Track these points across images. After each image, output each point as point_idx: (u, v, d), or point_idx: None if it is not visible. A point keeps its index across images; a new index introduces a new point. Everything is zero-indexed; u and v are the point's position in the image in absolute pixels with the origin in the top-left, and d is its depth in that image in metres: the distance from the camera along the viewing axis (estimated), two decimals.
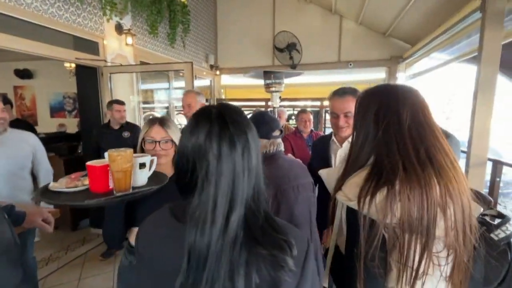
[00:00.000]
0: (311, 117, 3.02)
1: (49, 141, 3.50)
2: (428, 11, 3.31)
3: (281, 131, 1.16)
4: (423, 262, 0.60)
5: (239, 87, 5.64)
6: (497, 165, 2.03)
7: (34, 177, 2.00)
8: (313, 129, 3.13)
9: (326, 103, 5.02)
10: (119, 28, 3.03)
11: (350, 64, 4.86)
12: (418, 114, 0.67)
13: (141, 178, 0.95)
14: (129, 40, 3.07)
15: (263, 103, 5.10)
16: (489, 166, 2.17)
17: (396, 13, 3.74)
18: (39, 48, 2.34)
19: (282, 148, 1.16)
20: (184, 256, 0.49)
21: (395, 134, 0.65)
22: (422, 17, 3.54)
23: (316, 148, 1.66)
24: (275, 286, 0.50)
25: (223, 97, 5.67)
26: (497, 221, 0.70)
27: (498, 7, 1.94)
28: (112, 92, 2.97)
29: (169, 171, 1.11)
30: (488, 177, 2.18)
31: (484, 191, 2.35)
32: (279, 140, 1.14)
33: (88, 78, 2.93)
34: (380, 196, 0.61)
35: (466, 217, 0.61)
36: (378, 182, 0.62)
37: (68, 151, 3.24)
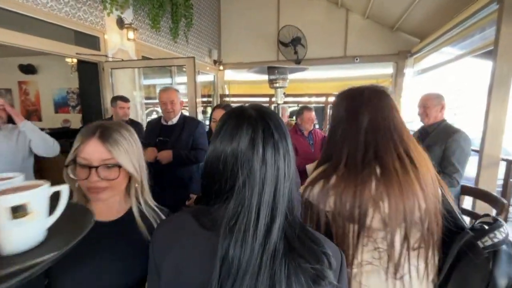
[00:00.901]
0: (314, 114, 2.94)
1: (53, 137, 3.49)
2: (440, 3, 3.18)
3: None
4: (358, 249, 0.67)
5: (243, 83, 5.56)
6: (511, 165, 1.94)
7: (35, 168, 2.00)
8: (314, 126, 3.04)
9: (331, 99, 4.92)
10: (120, 23, 2.96)
11: (356, 59, 4.74)
12: (376, 118, 0.72)
13: (21, 236, 0.45)
14: (131, 34, 3.01)
15: (267, 99, 5.02)
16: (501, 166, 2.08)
17: (406, 6, 3.61)
18: (39, 43, 2.29)
19: None
20: (214, 269, 0.45)
21: (350, 137, 0.73)
22: (433, 10, 3.41)
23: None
24: None
25: (226, 92, 5.60)
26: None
27: None
28: (114, 87, 2.93)
29: (114, 210, 0.74)
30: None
31: (497, 190, 2.27)
32: None
33: (90, 74, 2.89)
34: (317, 187, 0.71)
35: (408, 212, 0.65)
36: (321, 176, 0.72)
37: (70, 147, 3.21)
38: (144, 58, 3.36)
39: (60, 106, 5.87)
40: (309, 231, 0.52)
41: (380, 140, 0.70)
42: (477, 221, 0.72)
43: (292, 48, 4.83)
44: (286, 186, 0.50)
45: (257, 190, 0.48)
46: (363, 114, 0.73)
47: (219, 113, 1.76)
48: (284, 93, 3.64)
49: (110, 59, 2.87)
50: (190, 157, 1.99)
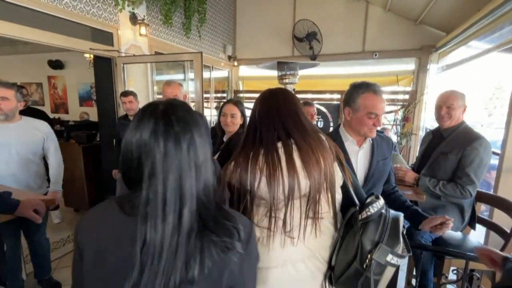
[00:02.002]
0: (315, 110, 2.85)
1: (76, 128, 3.69)
2: None
3: None
4: (255, 217, 0.87)
5: (257, 79, 5.51)
6: None
7: (46, 163, 2.10)
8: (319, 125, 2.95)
9: None
10: (133, 18, 3.04)
11: (375, 55, 4.51)
12: (265, 113, 0.93)
13: None
14: (143, 30, 3.08)
15: None
16: None
17: None
18: (57, 40, 2.41)
19: None
20: (135, 252, 0.51)
21: (247, 130, 0.96)
22: (459, 0, 3.14)
23: None
24: (224, 266, 0.56)
25: (240, 88, 5.59)
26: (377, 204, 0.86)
27: None
28: (126, 82, 3.02)
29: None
30: None
31: None
32: None
33: (104, 69, 3.00)
34: (228, 168, 0.89)
35: (294, 184, 0.81)
36: (231, 160, 0.91)
37: (87, 139, 3.38)
38: (157, 53, 3.44)
39: (85, 99, 6.20)
40: (224, 210, 0.60)
41: (264, 130, 0.89)
42: (368, 200, 0.87)
43: (307, 43, 4.70)
44: (192, 176, 0.54)
45: (161, 178, 0.52)
46: (255, 110, 0.95)
47: (229, 108, 1.80)
48: (294, 89, 3.56)
49: (123, 55, 2.96)
50: None
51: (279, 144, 0.86)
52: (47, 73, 6.27)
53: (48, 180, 2.09)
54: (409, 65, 4.47)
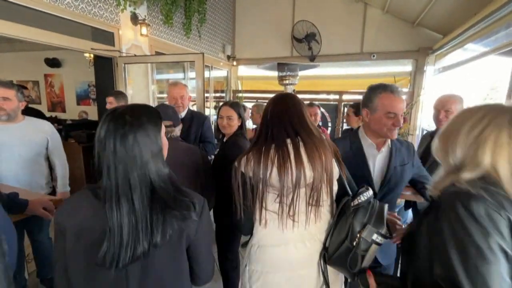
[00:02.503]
0: (319, 111, 2.87)
1: (74, 128, 3.68)
2: None
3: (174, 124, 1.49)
4: (264, 201, 1.00)
5: (256, 78, 5.54)
6: None
7: (50, 163, 2.10)
8: (320, 124, 2.98)
9: (345, 97, 4.79)
10: (134, 18, 3.04)
11: (373, 56, 4.57)
12: (277, 113, 1.05)
13: None
14: (144, 30, 3.08)
15: None
16: None
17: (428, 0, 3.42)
18: (58, 39, 2.41)
19: (173, 134, 1.50)
20: (107, 227, 0.66)
21: (260, 128, 1.08)
22: (456, 4, 3.20)
23: (345, 153, 1.34)
24: (183, 231, 0.74)
25: (239, 88, 5.61)
26: (366, 194, 0.98)
27: None
28: (126, 82, 3.03)
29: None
30: None
31: None
32: (170, 129, 1.48)
33: (104, 68, 3.00)
34: (242, 160, 1.02)
35: (295, 176, 0.94)
36: (246, 152, 1.04)
37: (87, 139, 3.37)
38: (157, 53, 3.44)
39: (82, 98, 6.16)
40: (183, 190, 0.77)
41: (275, 128, 1.02)
42: (359, 190, 0.99)
43: (306, 44, 4.73)
44: (139, 167, 0.68)
45: (113, 169, 0.67)
46: (267, 111, 1.07)
47: (225, 110, 1.76)
48: (294, 90, 3.59)
49: (124, 54, 2.97)
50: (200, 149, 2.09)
51: (288, 141, 0.99)
52: (44, 71, 6.22)
53: (52, 181, 2.09)
54: (406, 67, 4.53)
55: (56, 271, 0.74)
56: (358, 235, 0.90)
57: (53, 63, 6.02)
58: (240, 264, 1.80)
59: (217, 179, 1.62)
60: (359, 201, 0.95)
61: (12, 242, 0.87)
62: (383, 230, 0.90)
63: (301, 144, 0.98)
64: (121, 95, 2.61)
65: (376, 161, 1.29)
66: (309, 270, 1.01)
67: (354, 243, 0.90)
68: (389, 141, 1.30)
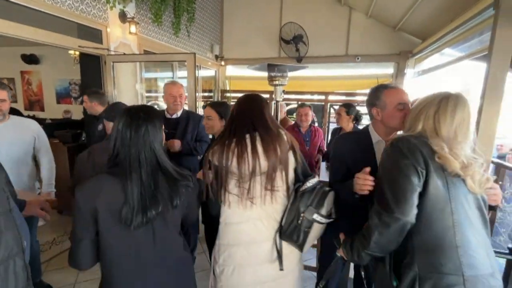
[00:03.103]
0: (310, 111, 2.96)
1: (55, 127, 3.54)
2: (441, 5, 3.18)
3: None
4: (228, 185, 1.18)
5: (244, 78, 5.57)
6: (500, 169, 1.98)
7: (37, 163, 2.04)
8: (312, 123, 3.07)
9: (331, 97, 4.94)
10: (122, 16, 2.99)
11: (358, 58, 4.75)
12: (240, 112, 1.24)
13: None
14: (133, 28, 3.04)
15: (267, 96, 5.04)
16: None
17: (408, 6, 3.62)
18: (42, 35, 2.32)
19: None
20: (128, 196, 0.91)
21: (226, 124, 1.28)
22: (434, 11, 3.41)
23: (352, 149, 1.37)
24: (186, 196, 1.03)
25: (227, 88, 5.63)
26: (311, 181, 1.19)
27: None
28: (115, 80, 2.97)
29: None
30: None
31: None
32: None
33: (92, 66, 2.93)
34: (210, 151, 1.21)
35: (256, 164, 1.13)
36: (213, 144, 1.22)
37: (72, 138, 3.27)
38: (146, 52, 3.40)
39: (62, 97, 5.92)
40: (180, 167, 1.04)
41: (238, 125, 1.20)
42: (308, 177, 1.18)
43: (293, 46, 4.83)
44: (147, 150, 0.94)
45: (127, 151, 0.93)
46: (233, 110, 1.25)
47: (206, 110, 1.80)
48: (283, 91, 3.67)
49: (112, 53, 2.91)
50: (196, 147, 2.18)
51: (247, 136, 1.16)
52: (20, 68, 5.91)
53: (39, 181, 2.03)
54: (389, 69, 4.75)
55: (79, 249, 0.95)
56: (302, 215, 1.12)
57: (30, 59, 5.73)
58: None
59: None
60: (305, 187, 1.15)
61: (27, 241, 0.90)
62: (323, 211, 1.12)
63: (258, 138, 1.15)
64: (94, 94, 2.54)
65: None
66: (266, 243, 1.19)
67: (299, 221, 1.12)
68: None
